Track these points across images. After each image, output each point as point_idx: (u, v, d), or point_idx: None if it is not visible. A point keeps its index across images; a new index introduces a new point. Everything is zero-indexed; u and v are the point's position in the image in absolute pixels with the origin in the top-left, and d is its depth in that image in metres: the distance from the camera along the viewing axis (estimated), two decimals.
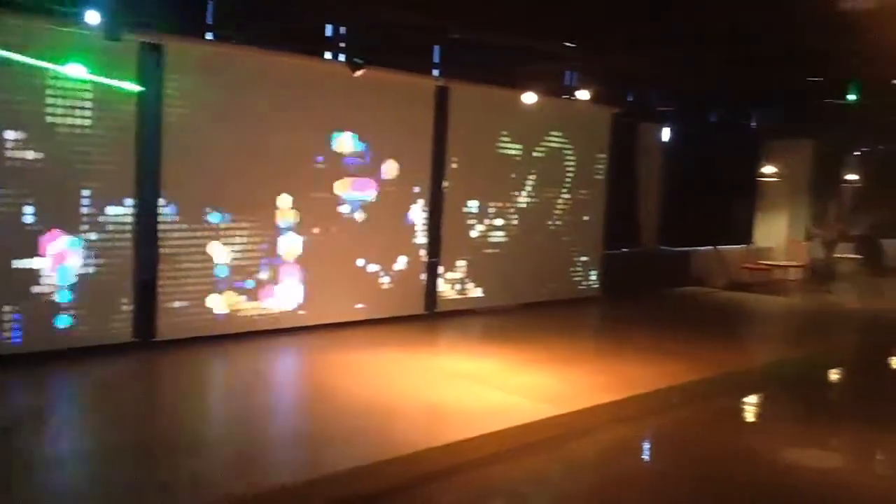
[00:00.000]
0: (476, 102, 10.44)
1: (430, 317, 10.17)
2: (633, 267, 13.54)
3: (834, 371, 9.52)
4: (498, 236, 11.02)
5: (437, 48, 10.26)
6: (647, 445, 6.67)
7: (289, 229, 8.72)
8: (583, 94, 11.09)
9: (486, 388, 6.93)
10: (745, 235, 17.26)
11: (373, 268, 9.58)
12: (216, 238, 8.15)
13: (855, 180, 19.64)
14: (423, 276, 10.13)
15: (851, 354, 10.23)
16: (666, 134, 14.45)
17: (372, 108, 9.25)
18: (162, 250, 7.80)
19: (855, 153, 19.58)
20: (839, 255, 17.31)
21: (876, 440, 6.72)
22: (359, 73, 8.46)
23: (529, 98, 10.48)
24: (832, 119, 15.15)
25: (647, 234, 14.34)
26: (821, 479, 5.68)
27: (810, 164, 17.25)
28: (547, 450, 5.96)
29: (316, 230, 8.97)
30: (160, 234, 7.78)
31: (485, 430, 5.81)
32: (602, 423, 6.52)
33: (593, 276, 12.56)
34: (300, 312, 8.89)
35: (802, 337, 11.34)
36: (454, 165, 10.29)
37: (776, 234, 17.23)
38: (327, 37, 9.11)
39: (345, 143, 9.08)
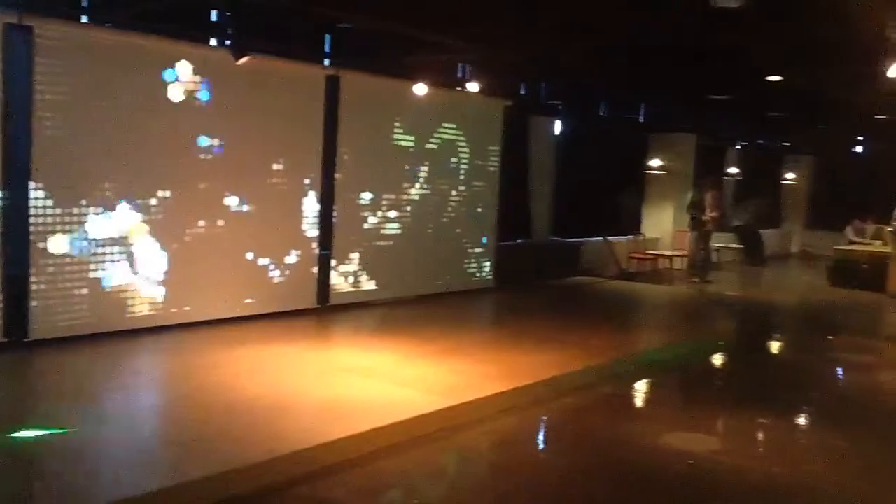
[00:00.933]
0: (367, 92, 10.32)
1: (322, 310, 10.02)
2: (525, 258, 13.77)
3: (714, 357, 9.89)
4: (391, 228, 10.94)
5: (327, 37, 10.06)
6: (533, 434, 6.74)
7: (171, 221, 8.39)
8: (473, 87, 11.15)
9: (378, 382, 6.87)
10: (633, 226, 17.82)
11: (263, 261, 9.34)
12: (95, 231, 7.76)
13: (736, 173, 20.59)
14: (315, 269, 9.95)
15: (730, 341, 10.67)
16: (557, 127, 14.75)
17: (258, 97, 9.00)
18: (34, 244, 7.37)
19: (736, 147, 20.52)
20: (721, 246, 18.09)
21: (756, 422, 7.04)
22: (243, 60, 8.21)
23: (421, 89, 10.45)
24: (713, 114, 15.81)
25: (539, 225, 14.58)
26: (703, 460, 5.88)
27: (693, 157, 17.96)
28: (436, 442, 5.94)
29: (202, 222, 8.68)
30: (32, 228, 7.34)
31: (375, 424, 5.74)
32: (492, 413, 6.57)
33: (487, 267, 12.67)
34: (185, 308, 8.58)
35: (684, 325, 11.76)
36: (346, 157, 10.14)
37: (663, 224, 17.88)
38: (212, 21, 8.78)
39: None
